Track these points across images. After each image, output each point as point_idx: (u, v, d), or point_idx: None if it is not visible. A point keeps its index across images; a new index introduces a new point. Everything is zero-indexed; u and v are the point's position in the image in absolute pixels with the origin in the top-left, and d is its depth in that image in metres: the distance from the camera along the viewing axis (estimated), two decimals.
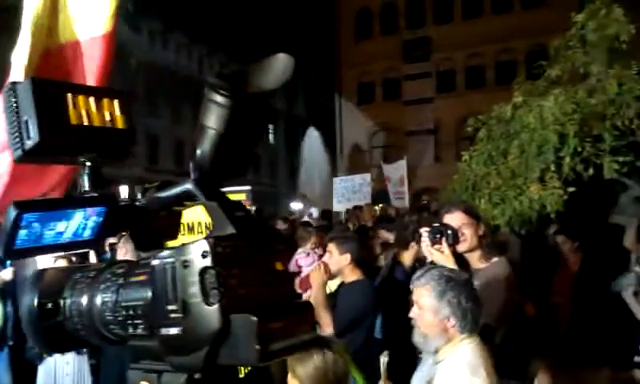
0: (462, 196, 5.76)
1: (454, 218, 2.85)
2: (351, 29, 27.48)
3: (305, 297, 5.48)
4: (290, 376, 2.10)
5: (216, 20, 27.72)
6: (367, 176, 12.51)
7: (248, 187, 4.40)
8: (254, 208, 8.36)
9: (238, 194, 4.46)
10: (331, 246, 3.90)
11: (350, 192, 11.84)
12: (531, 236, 5.19)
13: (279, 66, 0.89)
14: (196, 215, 4.66)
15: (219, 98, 0.81)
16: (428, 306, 2.20)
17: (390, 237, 6.74)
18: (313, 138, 23.82)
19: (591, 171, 4.51)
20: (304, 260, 5.59)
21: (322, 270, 3.73)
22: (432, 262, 2.82)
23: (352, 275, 3.82)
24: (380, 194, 18.83)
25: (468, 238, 2.81)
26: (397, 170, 13.83)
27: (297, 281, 5.70)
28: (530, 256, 5.13)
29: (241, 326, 0.75)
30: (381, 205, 12.43)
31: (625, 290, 4.04)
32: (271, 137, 26.69)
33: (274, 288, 0.83)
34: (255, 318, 0.74)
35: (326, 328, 3.46)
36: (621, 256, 5.27)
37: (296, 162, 24.17)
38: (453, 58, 25.87)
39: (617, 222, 5.37)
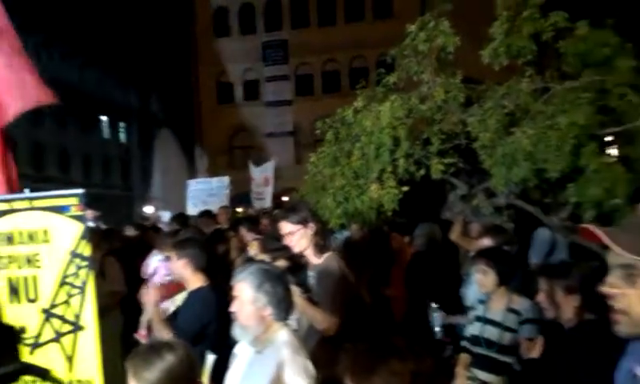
0: (312, 196, 5.89)
1: (282, 227, 3.22)
2: (208, 27, 26.95)
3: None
4: (131, 381, 1.93)
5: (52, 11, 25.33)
6: (225, 179, 12.23)
7: (79, 191, 3.96)
8: (92, 213, 7.64)
9: (67, 198, 4.00)
10: (172, 253, 3.79)
11: (206, 195, 11.47)
12: (371, 232, 5.48)
13: None
14: (14, 224, 4.11)
15: None
16: (247, 298, 2.36)
17: (249, 237, 6.69)
18: (167, 138, 22.81)
19: (422, 172, 4.86)
20: (164, 268, 5.25)
21: (151, 291, 3.64)
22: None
23: (195, 282, 3.71)
24: (241, 196, 18.67)
25: (296, 242, 3.16)
26: (263, 171, 13.71)
27: (149, 290, 5.37)
28: (369, 251, 5.41)
29: None
30: (241, 208, 12.27)
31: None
32: (123, 136, 25.00)
33: None
34: None
35: None
36: (449, 249, 5.78)
37: (150, 164, 22.94)
38: (310, 63, 26.66)
39: (446, 218, 5.89)
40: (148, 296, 3.57)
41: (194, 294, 3.65)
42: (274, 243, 4.00)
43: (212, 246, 7.31)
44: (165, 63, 25.05)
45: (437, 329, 4.39)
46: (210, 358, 2.89)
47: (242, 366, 2.47)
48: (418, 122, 4.99)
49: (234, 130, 27.53)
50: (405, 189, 4.79)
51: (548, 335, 3.07)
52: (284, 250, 3.51)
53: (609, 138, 4.81)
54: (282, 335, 2.36)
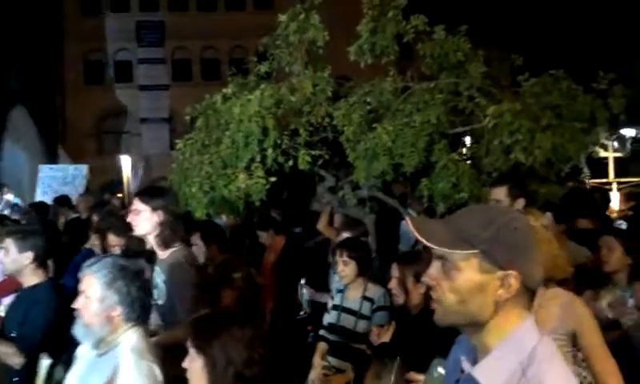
0: (180, 184, 5.65)
1: (134, 204, 3.14)
2: (76, 1, 24.87)
3: None
4: None
5: None
6: (83, 167, 11.40)
7: None
8: None
9: None
10: (8, 242, 3.35)
11: (59, 183, 10.59)
12: (241, 222, 5.42)
13: None
14: None
15: None
16: (95, 295, 2.14)
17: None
18: (23, 118, 20.57)
19: (291, 163, 4.87)
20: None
21: None
22: None
23: (33, 278, 3.34)
24: (111, 184, 17.49)
25: (139, 222, 3.07)
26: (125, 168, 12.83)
27: None
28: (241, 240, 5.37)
29: None
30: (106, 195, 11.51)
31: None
32: None
33: None
34: None
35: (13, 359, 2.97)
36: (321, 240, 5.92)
37: (1, 146, 20.53)
38: (188, 48, 25.77)
39: (315, 210, 6.01)
40: None
41: (31, 292, 3.29)
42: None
43: (69, 236, 6.75)
44: (26, 37, 22.59)
45: (304, 305, 4.52)
46: (45, 363, 2.64)
47: (79, 371, 2.26)
48: (287, 113, 5.00)
49: (104, 113, 25.78)
50: (272, 179, 4.78)
51: (398, 321, 3.24)
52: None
53: (467, 139, 5.22)
54: (129, 338, 2.16)
